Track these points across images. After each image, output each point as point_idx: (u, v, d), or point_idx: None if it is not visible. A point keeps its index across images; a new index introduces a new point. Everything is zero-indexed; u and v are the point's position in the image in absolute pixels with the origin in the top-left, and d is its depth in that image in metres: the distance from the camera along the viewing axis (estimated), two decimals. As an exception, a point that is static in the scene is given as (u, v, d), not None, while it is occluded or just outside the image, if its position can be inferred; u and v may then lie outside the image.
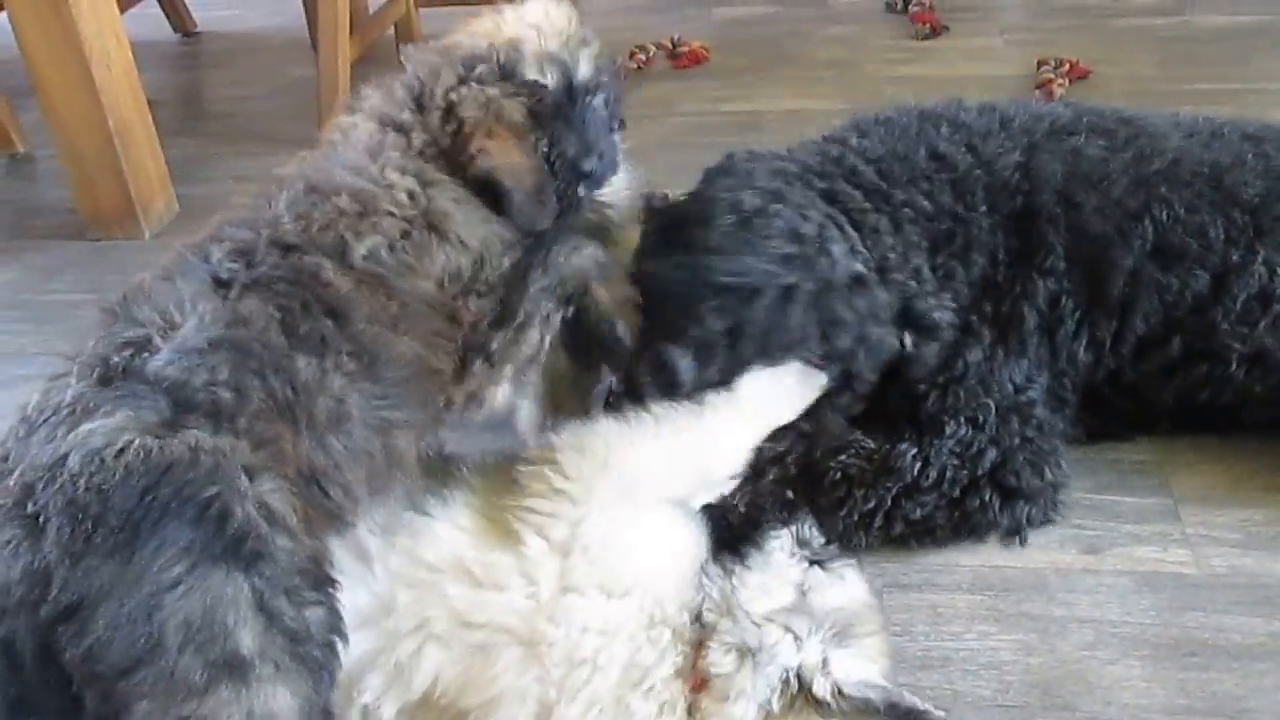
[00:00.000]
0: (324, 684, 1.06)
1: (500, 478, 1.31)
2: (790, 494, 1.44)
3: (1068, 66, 2.93)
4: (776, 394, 1.38)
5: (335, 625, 1.09)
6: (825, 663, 1.17)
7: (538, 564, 1.19)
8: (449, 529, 1.25)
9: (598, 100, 1.50)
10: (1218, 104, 2.63)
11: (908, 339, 1.54)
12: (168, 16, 3.95)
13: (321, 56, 2.91)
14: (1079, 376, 1.61)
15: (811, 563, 1.29)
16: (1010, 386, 1.55)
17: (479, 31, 1.60)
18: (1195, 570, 1.49)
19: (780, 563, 1.27)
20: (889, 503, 1.51)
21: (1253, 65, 2.98)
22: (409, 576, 1.22)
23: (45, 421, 1.02)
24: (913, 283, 1.55)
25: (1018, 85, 2.91)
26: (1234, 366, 1.58)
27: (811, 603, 1.22)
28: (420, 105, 1.36)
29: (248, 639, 0.98)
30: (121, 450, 0.96)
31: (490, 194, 1.34)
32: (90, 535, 0.94)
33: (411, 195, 1.28)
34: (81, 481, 0.96)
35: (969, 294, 1.57)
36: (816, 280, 1.47)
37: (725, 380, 1.43)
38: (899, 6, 3.60)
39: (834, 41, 3.44)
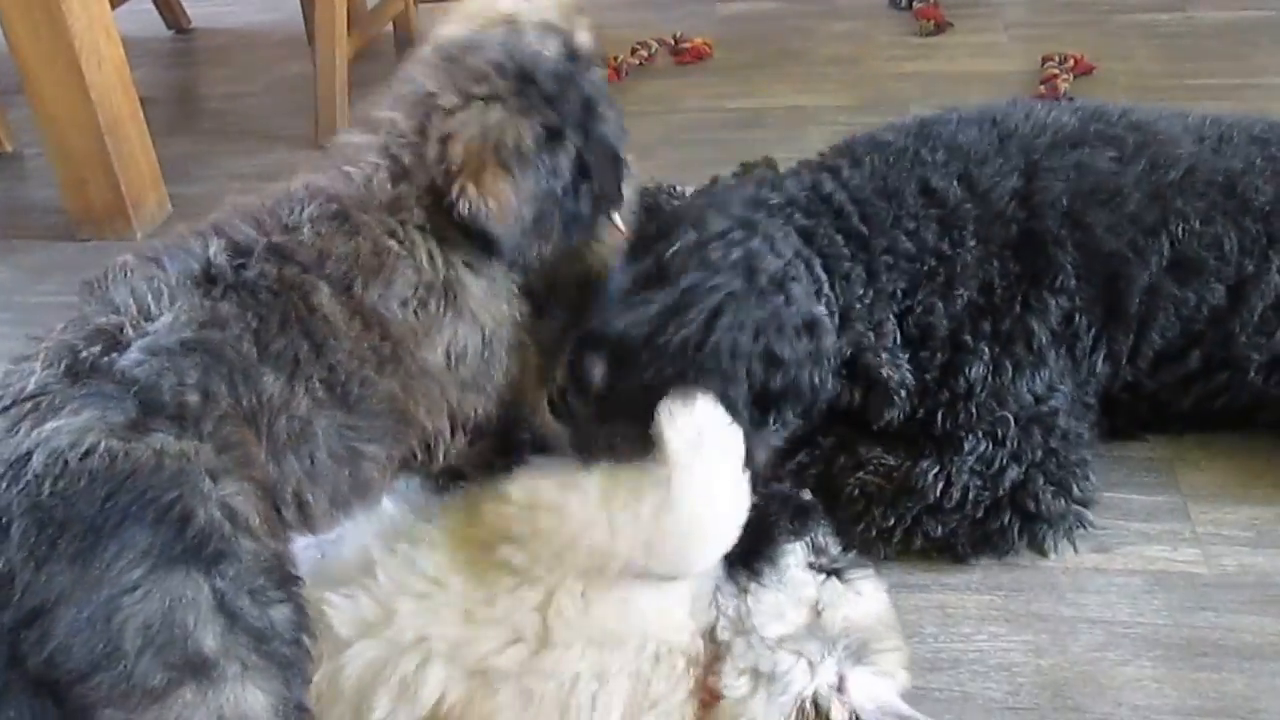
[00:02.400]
0: (296, 681, 1.05)
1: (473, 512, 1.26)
2: (806, 495, 1.41)
3: (1072, 62, 2.92)
4: (704, 440, 1.21)
5: (302, 623, 1.07)
6: (842, 683, 1.15)
7: (519, 619, 1.15)
8: (445, 538, 1.23)
9: (597, 75, 1.40)
10: (1221, 98, 2.63)
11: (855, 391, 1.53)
12: (161, 13, 3.90)
13: (319, 53, 2.87)
14: (1098, 386, 1.59)
15: (828, 574, 1.26)
16: (1030, 397, 1.53)
17: (472, 13, 1.60)
18: (1206, 570, 1.48)
19: (796, 579, 1.24)
20: (909, 521, 1.50)
21: (1255, 60, 2.96)
22: (408, 586, 1.19)
23: (6, 410, 1.00)
24: (870, 335, 1.51)
25: (1022, 81, 2.89)
26: (1252, 374, 1.57)
27: (827, 621, 1.20)
28: (423, 134, 1.23)
29: (210, 640, 0.97)
30: (87, 452, 0.94)
31: (479, 238, 1.24)
32: (55, 541, 0.93)
33: (431, 258, 1.21)
34: (46, 485, 0.93)
35: (950, 325, 1.53)
36: (767, 313, 1.41)
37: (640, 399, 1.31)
38: (903, 3, 3.58)
39: (837, 38, 3.42)
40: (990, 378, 1.52)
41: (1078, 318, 1.55)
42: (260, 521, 1.04)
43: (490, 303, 1.25)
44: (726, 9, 3.77)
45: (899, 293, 1.53)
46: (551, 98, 1.26)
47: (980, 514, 1.49)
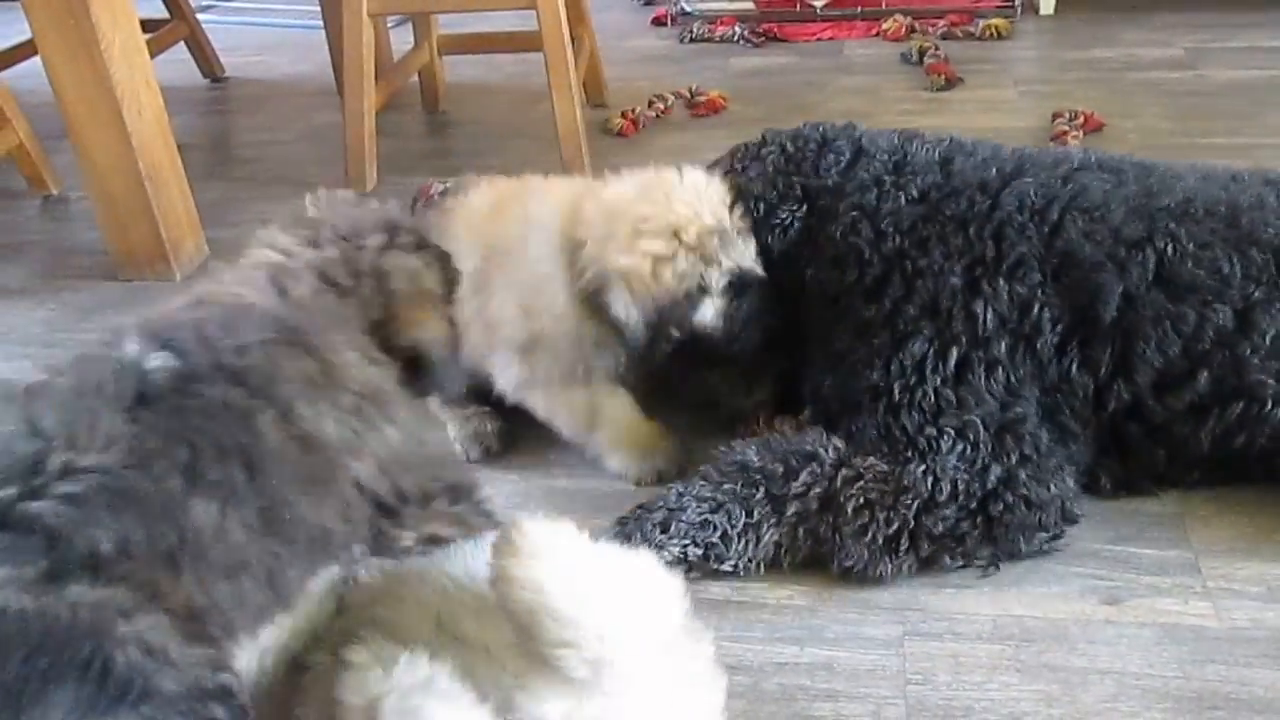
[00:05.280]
0: None
1: None
2: None
3: (1082, 119, 2.96)
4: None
5: (238, 711, 1.07)
6: None
7: None
8: None
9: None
10: (1232, 157, 2.65)
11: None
12: (197, 62, 4.04)
13: (347, 103, 2.96)
14: (1080, 403, 1.62)
15: None
16: (991, 400, 1.58)
17: (653, 198, 1.75)
18: (1217, 623, 1.48)
19: None
20: (911, 522, 1.53)
21: (1266, 119, 3.01)
22: None
23: None
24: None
25: (1032, 136, 2.94)
26: (1270, 405, 1.58)
27: None
28: (355, 270, 1.32)
29: None
30: (2, 612, 0.93)
31: (412, 366, 1.34)
32: None
33: (364, 374, 1.26)
34: None
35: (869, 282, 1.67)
36: None
37: None
38: (914, 58, 3.65)
39: (850, 92, 3.48)
40: (935, 361, 1.59)
41: (1039, 309, 1.60)
42: (181, 645, 1.02)
43: (410, 409, 1.31)
44: (741, 63, 3.83)
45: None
46: (445, 254, 1.45)
47: (974, 505, 1.54)
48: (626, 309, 1.71)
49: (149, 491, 1.03)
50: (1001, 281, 1.60)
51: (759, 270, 1.78)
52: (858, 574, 1.55)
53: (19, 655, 0.91)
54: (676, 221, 1.71)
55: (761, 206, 1.78)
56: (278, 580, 1.14)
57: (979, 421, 1.56)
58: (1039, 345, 1.60)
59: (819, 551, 1.57)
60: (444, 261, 1.43)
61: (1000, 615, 1.52)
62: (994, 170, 1.70)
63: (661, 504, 1.62)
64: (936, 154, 1.75)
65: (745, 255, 1.77)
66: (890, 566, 1.54)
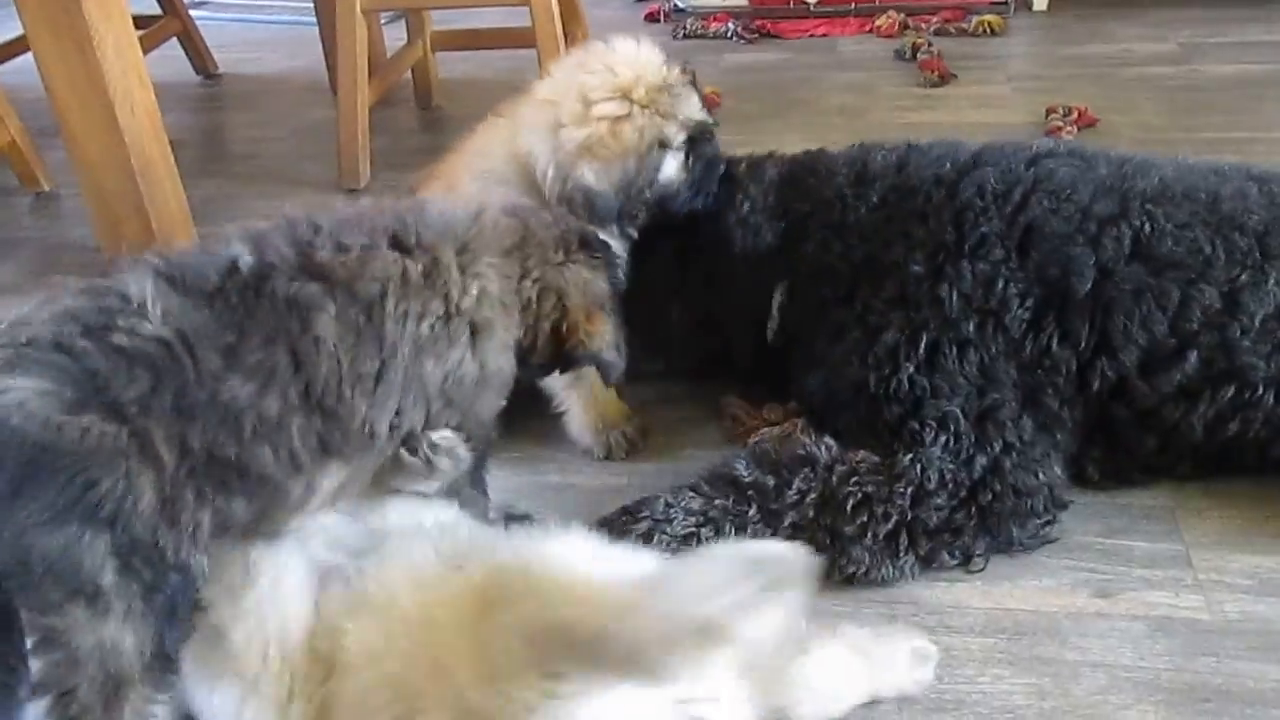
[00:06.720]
0: (171, 634, 1.19)
1: None
2: None
3: (1076, 114, 2.96)
4: None
5: (189, 586, 1.22)
6: None
7: None
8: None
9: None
10: (1225, 151, 2.66)
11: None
12: (190, 59, 4.03)
13: (340, 100, 2.96)
14: (1063, 380, 1.61)
15: None
16: (968, 386, 1.59)
17: (591, 70, 1.76)
18: (1208, 615, 1.48)
19: None
20: (908, 515, 1.53)
21: (1260, 113, 3.01)
22: None
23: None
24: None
25: (1026, 132, 2.93)
26: (1261, 390, 1.57)
27: None
28: (540, 283, 1.42)
29: (106, 577, 1.11)
30: (29, 415, 1.08)
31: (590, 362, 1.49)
32: None
33: (481, 298, 1.34)
34: None
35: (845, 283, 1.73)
36: None
37: None
38: (908, 54, 3.65)
39: (844, 88, 3.48)
40: (906, 350, 1.62)
41: (1004, 284, 1.61)
42: (154, 500, 1.14)
43: (499, 358, 1.38)
44: (734, 59, 3.83)
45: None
46: (602, 245, 1.53)
47: (964, 494, 1.55)
48: (598, 177, 1.72)
49: (189, 366, 1.16)
50: (965, 263, 1.63)
51: (707, 117, 1.85)
52: (860, 579, 1.54)
53: (29, 453, 1.08)
54: (623, 83, 1.74)
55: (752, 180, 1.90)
56: (329, 444, 1.24)
57: (958, 411, 1.58)
58: (1008, 320, 1.61)
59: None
60: (607, 256, 1.51)
61: (992, 608, 1.52)
62: (948, 164, 1.74)
63: (647, 514, 1.59)
64: (893, 158, 1.81)
65: (694, 106, 1.82)
66: (892, 569, 1.54)
